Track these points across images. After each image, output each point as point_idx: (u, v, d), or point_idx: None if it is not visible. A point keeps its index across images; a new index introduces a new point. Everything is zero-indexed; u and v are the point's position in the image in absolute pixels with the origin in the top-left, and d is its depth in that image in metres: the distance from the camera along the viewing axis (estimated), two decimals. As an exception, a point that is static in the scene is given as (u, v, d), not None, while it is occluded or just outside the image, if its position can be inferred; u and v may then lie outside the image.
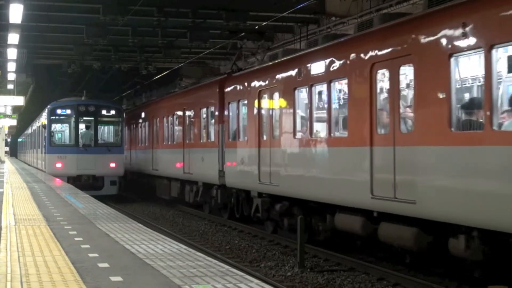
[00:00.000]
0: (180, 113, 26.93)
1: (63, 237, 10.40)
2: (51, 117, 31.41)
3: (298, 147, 16.00)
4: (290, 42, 27.68)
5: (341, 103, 14.53)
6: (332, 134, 14.33)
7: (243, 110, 19.94)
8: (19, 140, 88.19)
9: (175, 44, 30.34)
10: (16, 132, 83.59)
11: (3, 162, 58.92)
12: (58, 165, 30.77)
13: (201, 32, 27.11)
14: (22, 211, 14.50)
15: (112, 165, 30.90)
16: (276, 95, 17.34)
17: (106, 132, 33.27)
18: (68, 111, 31.28)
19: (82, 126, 31.31)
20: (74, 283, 6.88)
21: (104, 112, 31.53)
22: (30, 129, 53.55)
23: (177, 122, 27.59)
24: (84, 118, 31.21)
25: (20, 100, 44.98)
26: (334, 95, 14.51)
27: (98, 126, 31.74)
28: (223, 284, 6.89)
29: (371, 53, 12.84)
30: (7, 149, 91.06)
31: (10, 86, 43.31)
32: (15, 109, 53.82)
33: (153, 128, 31.51)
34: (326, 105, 14.66)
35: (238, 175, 20.04)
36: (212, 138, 22.81)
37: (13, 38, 25.07)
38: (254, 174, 18.46)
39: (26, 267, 7.78)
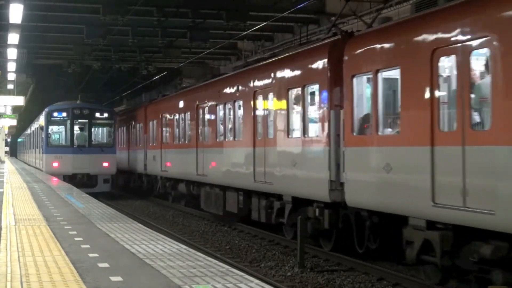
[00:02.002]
0: (246, 98, 19.14)
1: (63, 237, 10.41)
2: (48, 120, 33.42)
3: None
4: (290, 42, 27.68)
5: None
6: None
7: (384, 86, 12.74)
8: (19, 140, 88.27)
9: (175, 44, 30.34)
10: (16, 132, 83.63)
11: (3, 162, 58.94)
12: (55, 164, 32.67)
13: (201, 32, 27.12)
14: (22, 211, 14.50)
15: (105, 164, 32.73)
16: (483, 53, 10.16)
17: (100, 134, 35.03)
18: (64, 114, 33.22)
19: (77, 128, 33.22)
20: (74, 283, 6.89)
21: (97, 115, 33.55)
22: (29, 130, 55.25)
23: (240, 110, 19.85)
24: (79, 120, 33.16)
25: (20, 100, 45.06)
26: None
27: (92, 128, 33.68)
28: (223, 284, 6.89)
29: None
30: (7, 149, 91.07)
31: (10, 86, 43.36)
32: (15, 109, 53.84)
33: (198, 121, 23.98)
34: None
35: (377, 189, 12.52)
36: (315, 132, 15.23)
37: (13, 38, 25.10)
38: (420, 190, 11.12)
39: (26, 267, 7.78)
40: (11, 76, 39.15)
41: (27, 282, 6.94)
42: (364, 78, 13.39)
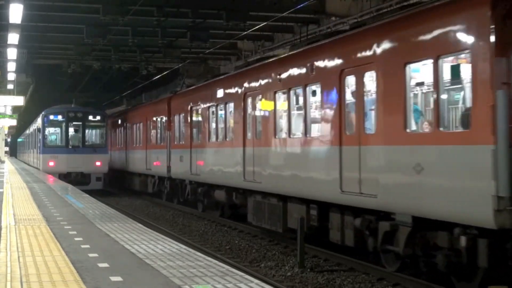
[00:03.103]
0: (327, 80, 14.20)
1: (63, 237, 10.41)
2: (45, 122, 36.28)
3: None
4: (290, 42, 27.69)
5: None
6: None
7: None
8: (19, 140, 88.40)
9: (175, 44, 30.34)
10: (16, 132, 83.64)
11: (3, 162, 58.96)
12: (51, 163, 35.26)
13: (201, 32, 27.11)
14: (22, 211, 14.50)
15: (98, 163, 35.15)
16: None
17: (93, 135, 37.42)
18: (60, 117, 36.06)
19: (71, 130, 36.03)
20: (74, 283, 6.89)
21: (90, 117, 36.25)
22: (27, 131, 57.76)
23: (315, 98, 15.07)
24: (74, 123, 35.94)
25: (20, 100, 45.13)
26: None
27: (86, 130, 36.34)
28: (223, 284, 6.89)
29: None
30: (7, 149, 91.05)
31: (10, 86, 43.38)
32: (15, 109, 53.84)
33: (246, 114, 19.12)
34: None
35: None
36: (462, 123, 10.84)
37: (13, 38, 25.10)
38: None
39: (26, 267, 7.78)
40: (11, 76, 39.20)
41: (27, 282, 6.94)
42: None
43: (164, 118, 29.01)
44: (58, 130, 36.65)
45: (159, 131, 30.22)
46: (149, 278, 7.21)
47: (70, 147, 35.30)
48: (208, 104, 22.74)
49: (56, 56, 35.83)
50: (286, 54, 17.71)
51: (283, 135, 16.57)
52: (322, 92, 14.44)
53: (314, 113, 15.17)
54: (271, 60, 18.63)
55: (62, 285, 6.81)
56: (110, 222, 12.74)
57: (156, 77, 39.35)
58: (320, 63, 14.59)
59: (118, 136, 39.52)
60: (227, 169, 20.46)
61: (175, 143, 27.17)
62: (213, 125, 22.31)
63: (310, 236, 15.80)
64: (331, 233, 14.22)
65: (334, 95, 13.81)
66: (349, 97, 13.49)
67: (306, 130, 15.18)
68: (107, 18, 24.21)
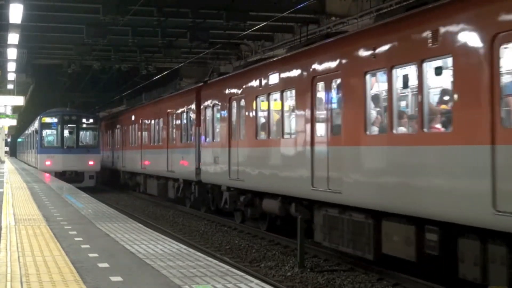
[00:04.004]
0: (466, 53, 9.96)
1: (63, 237, 10.41)
2: (42, 124, 39.05)
3: None
4: (290, 42, 27.69)
5: None
6: None
7: None
8: (18, 140, 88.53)
9: (175, 44, 30.35)
10: (16, 132, 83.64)
11: (3, 162, 58.99)
12: (48, 163, 38.09)
13: (201, 32, 27.12)
14: (22, 211, 14.51)
15: (91, 162, 38.00)
16: None
17: (86, 136, 39.98)
18: (56, 120, 38.85)
19: (66, 132, 38.76)
20: (74, 283, 6.89)
21: (84, 120, 39.15)
22: (27, 131, 60.28)
23: (440, 78, 10.94)
24: (68, 125, 38.77)
25: (20, 100, 45.19)
26: None
27: (80, 132, 39.09)
28: (223, 284, 6.89)
29: None
30: (7, 149, 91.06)
31: (10, 86, 43.41)
32: (15, 109, 53.86)
33: (314, 103, 14.93)
34: None
35: None
36: None
37: (13, 38, 25.11)
38: None
39: (26, 267, 7.79)
40: (11, 76, 39.25)
41: (27, 282, 6.94)
42: None
43: (192, 112, 24.72)
44: (54, 132, 39.02)
45: (184, 127, 25.99)
46: (149, 278, 7.22)
47: (65, 147, 38.07)
48: (256, 93, 18.27)
49: (56, 56, 35.85)
50: (384, 21, 12.82)
51: (382, 130, 12.35)
52: (454, 69, 10.16)
53: (437, 99, 11.17)
54: (358, 30, 14.58)
55: (62, 285, 6.81)
56: (110, 222, 12.75)
57: (156, 77, 39.44)
58: (450, 28, 10.29)
59: (131, 134, 36.54)
60: (284, 173, 16.29)
61: (207, 141, 22.85)
62: (262, 119, 18.13)
63: (424, 269, 12.34)
64: (462, 267, 10.15)
65: (478, 72, 9.62)
66: (509, 74, 9.42)
67: (423, 123, 10.95)
68: (107, 18, 24.22)
